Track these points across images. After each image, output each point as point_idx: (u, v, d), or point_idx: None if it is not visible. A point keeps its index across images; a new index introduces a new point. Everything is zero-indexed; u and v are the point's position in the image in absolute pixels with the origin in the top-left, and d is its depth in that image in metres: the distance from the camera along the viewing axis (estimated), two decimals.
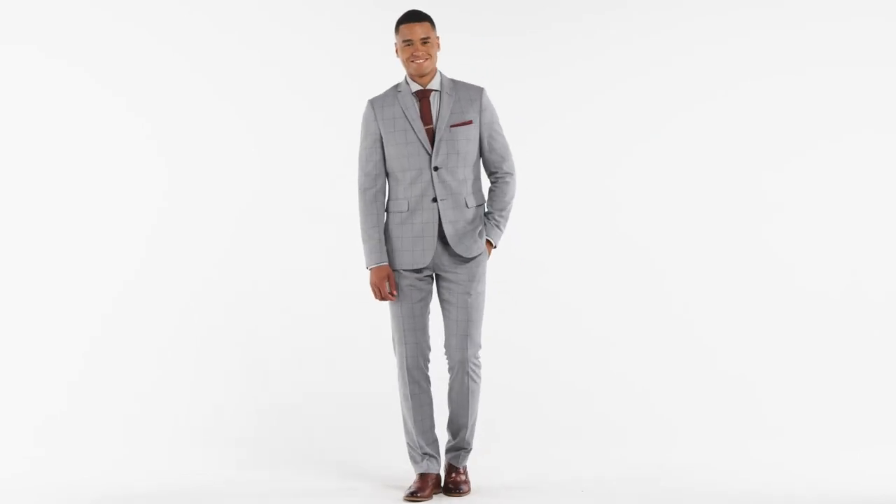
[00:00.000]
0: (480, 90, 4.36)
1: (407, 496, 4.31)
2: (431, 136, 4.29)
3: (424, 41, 4.28)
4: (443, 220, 4.28)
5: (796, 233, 5.74)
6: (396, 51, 4.34)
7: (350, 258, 5.48)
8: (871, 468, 4.73)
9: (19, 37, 5.57)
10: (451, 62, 5.24)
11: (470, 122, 4.32)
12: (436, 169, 4.28)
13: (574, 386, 5.53)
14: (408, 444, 4.42)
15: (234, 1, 5.74)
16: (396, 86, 4.38)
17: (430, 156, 4.28)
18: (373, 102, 4.36)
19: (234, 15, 5.72)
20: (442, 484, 4.41)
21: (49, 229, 5.57)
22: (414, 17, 4.30)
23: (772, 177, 5.77)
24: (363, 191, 4.34)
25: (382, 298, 4.31)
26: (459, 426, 4.40)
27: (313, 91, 5.74)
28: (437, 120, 4.30)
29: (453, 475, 4.39)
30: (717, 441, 5.15)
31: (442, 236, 4.31)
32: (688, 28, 5.83)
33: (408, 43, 4.28)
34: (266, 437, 5.20)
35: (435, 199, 4.29)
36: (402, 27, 4.30)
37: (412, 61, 4.28)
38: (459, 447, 4.42)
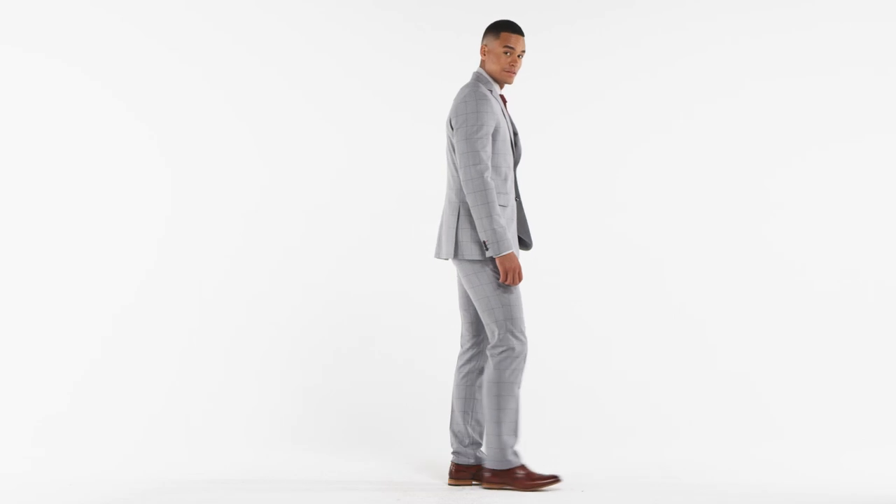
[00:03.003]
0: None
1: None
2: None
3: (521, 55, 4.30)
4: (521, 215, 4.38)
5: (799, 233, 5.74)
6: (485, 51, 4.29)
7: (357, 257, 5.52)
8: (872, 468, 4.73)
9: (19, 37, 5.57)
10: (454, 62, 5.25)
11: None
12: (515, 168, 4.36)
13: (575, 386, 5.53)
14: (514, 433, 4.27)
15: (234, 1, 5.74)
16: (482, 82, 4.28)
17: (515, 157, 4.35)
18: (486, 93, 4.23)
19: (234, 15, 5.72)
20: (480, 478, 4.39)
21: (55, 233, 5.54)
22: (519, 30, 4.27)
23: (775, 177, 5.76)
24: (486, 177, 4.18)
25: (519, 281, 4.22)
26: (481, 421, 4.42)
27: (314, 91, 5.73)
28: (513, 123, 4.38)
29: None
30: (719, 441, 5.15)
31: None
32: (692, 30, 5.83)
33: (509, 50, 4.25)
34: (275, 439, 5.20)
35: (517, 196, 4.38)
36: (505, 34, 4.26)
37: (509, 71, 4.28)
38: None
